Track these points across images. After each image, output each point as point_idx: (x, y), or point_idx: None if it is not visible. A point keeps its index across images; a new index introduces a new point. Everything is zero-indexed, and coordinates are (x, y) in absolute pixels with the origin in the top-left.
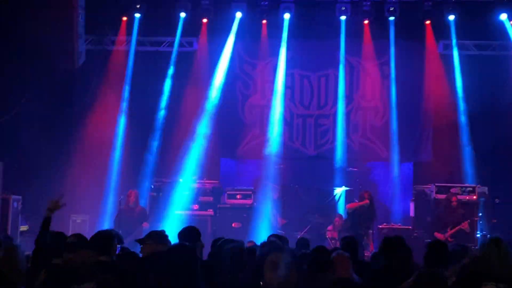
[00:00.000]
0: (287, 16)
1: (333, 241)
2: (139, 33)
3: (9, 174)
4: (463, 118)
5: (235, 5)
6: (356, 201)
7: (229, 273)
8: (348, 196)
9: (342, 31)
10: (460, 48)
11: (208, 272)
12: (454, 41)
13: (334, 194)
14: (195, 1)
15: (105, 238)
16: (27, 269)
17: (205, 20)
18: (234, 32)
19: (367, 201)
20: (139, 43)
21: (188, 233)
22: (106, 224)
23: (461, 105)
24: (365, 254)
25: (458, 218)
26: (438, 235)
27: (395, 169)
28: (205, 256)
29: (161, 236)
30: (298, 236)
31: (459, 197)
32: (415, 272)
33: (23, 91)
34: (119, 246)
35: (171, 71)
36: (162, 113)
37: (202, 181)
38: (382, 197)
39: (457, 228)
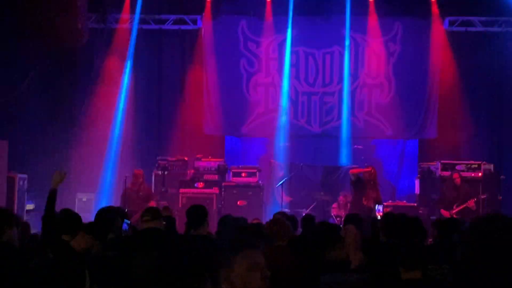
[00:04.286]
0: None
1: (338, 219)
2: (142, 11)
3: (14, 153)
4: (468, 95)
5: None
6: None
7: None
8: None
9: (347, 8)
10: (466, 24)
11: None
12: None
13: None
14: None
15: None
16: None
17: None
18: (239, 10)
19: (370, 168)
20: (142, 21)
21: (196, 212)
22: (112, 202)
23: (467, 82)
24: None
25: (463, 196)
26: (444, 212)
27: (400, 146)
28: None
29: (156, 212)
30: (303, 214)
31: (464, 174)
32: None
33: (28, 70)
34: (125, 223)
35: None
36: (165, 91)
37: (207, 159)
38: (387, 174)
39: (463, 206)
